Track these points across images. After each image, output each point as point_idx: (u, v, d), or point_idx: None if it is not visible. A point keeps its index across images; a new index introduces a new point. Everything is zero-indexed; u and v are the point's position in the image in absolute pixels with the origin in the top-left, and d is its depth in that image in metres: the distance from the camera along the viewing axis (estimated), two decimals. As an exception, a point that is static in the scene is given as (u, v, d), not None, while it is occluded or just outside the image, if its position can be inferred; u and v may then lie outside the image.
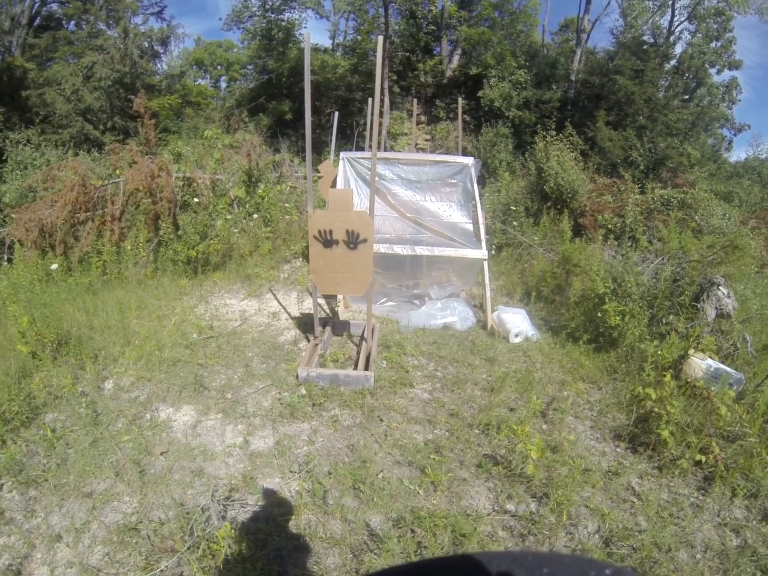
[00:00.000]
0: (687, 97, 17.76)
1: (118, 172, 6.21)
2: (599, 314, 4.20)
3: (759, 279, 5.88)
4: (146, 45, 18.21)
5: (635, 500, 2.57)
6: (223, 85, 26.58)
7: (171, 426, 2.93)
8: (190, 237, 5.67)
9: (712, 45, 17.89)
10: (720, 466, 2.66)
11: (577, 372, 3.87)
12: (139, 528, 2.20)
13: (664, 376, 3.15)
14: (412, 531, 2.25)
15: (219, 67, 27.33)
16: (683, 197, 7.82)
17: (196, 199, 6.33)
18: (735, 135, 20.77)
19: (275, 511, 2.33)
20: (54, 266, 4.94)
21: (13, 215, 5.66)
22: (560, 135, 9.16)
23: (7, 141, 9.84)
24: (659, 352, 3.58)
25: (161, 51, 19.42)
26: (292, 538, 2.19)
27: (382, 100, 8.63)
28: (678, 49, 18.46)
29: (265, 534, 2.19)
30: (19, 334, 3.35)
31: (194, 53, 27.07)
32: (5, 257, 5.53)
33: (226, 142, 8.22)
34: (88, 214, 5.64)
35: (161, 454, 2.69)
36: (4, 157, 8.81)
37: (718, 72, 18.47)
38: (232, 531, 2.05)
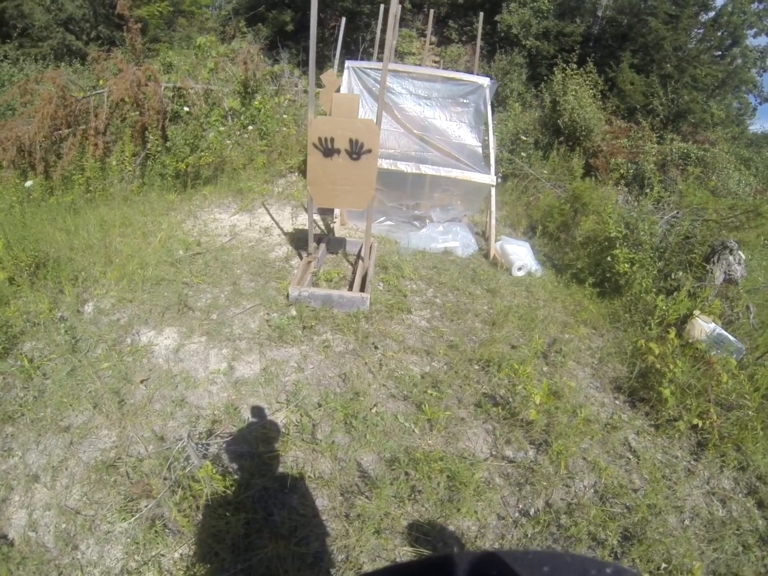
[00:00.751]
0: (719, 54, 16.70)
1: (101, 82, 5.72)
2: (608, 258, 4.07)
3: (767, 252, 5.79)
4: None
5: (631, 457, 2.55)
6: (220, -8, 24.67)
7: (152, 351, 2.77)
8: (180, 149, 5.32)
9: (754, 6, 16.68)
10: (715, 434, 2.64)
11: (579, 315, 3.76)
12: (117, 465, 2.09)
13: (669, 332, 3.08)
14: (407, 474, 2.16)
15: (215, -27, 25.24)
16: (703, 154, 7.50)
17: (186, 109, 5.90)
18: (760, 104, 20.01)
19: (261, 447, 2.21)
20: (29, 183, 4.62)
21: None
22: (581, 70, 8.62)
23: None
24: (666, 307, 3.49)
25: (150, -51, 17.77)
26: (279, 478, 2.09)
27: (385, 11, 7.97)
28: (719, 1, 17.17)
29: (249, 473, 2.09)
30: None
31: (188, -43, 24.90)
32: None
33: (221, 50, 7.61)
34: (69, 129, 5.23)
35: (141, 382, 2.55)
36: None
37: (755, 35, 17.37)
38: (214, 470, 1.92)
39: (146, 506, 1.92)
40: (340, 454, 2.22)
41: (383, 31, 9.22)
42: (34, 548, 1.81)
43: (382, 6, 5.90)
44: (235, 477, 2.05)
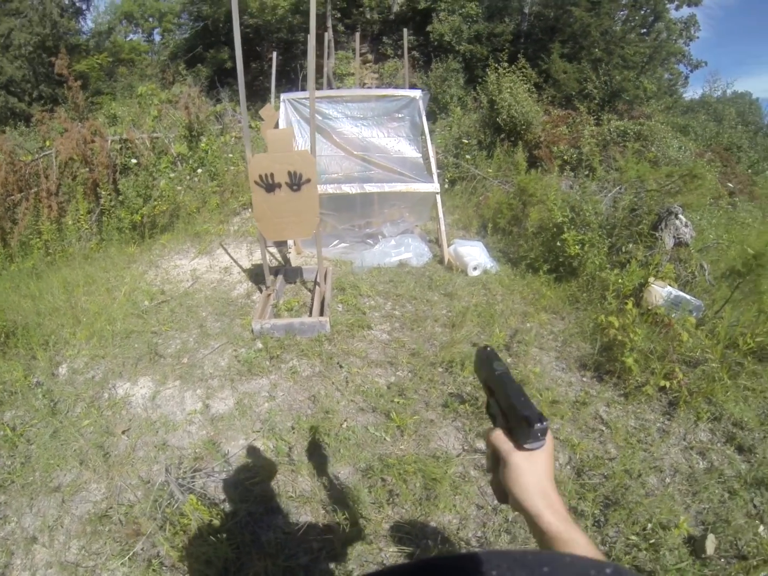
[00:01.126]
0: (644, 31, 17.42)
1: (48, 143, 5.80)
2: (558, 244, 4.19)
3: (714, 210, 5.99)
4: (66, 2, 16.68)
5: (604, 429, 2.61)
6: (158, 38, 24.79)
7: (130, 401, 2.85)
8: (133, 201, 5.38)
9: (671, -19, 17.40)
10: (684, 391, 2.71)
11: (539, 303, 3.87)
12: (110, 514, 2.16)
13: (626, 303, 3.16)
14: (383, 480, 2.25)
15: (151, 19, 25.22)
16: (639, 129, 7.80)
17: (134, 161, 5.97)
18: (692, 71, 20.84)
19: (242, 475, 2.31)
20: None
21: None
22: (513, 67, 8.93)
23: None
24: (620, 280, 3.59)
25: (84, 7, 17.88)
26: (262, 501, 2.18)
27: (320, 36, 8.16)
28: None
29: (234, 501, 2.18)
30: None
31: (122, 6, 24.78)
32: None
33: (163, 97, 7.71)
34: (21, 194, 5.26)
35: (123, 432, 2.62)
36: None
37: (677, 8, 18.08)
38: (199, 503, 2.02)
39: (142, 548, 2.00)
40: (317, 471, 2.32)
41: (319, 56, 9.47)
42: None
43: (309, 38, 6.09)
44: (221, 507, 2.14)
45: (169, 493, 2.15)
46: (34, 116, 7.26)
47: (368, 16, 17.83)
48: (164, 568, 1.94)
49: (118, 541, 2.04)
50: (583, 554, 0.53)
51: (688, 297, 3.50)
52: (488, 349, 0.74)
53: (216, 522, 2.01)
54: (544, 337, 3.47)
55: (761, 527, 2.05)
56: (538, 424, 0.61)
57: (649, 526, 2.03)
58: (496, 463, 0.66)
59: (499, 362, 0.70)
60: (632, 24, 16.50)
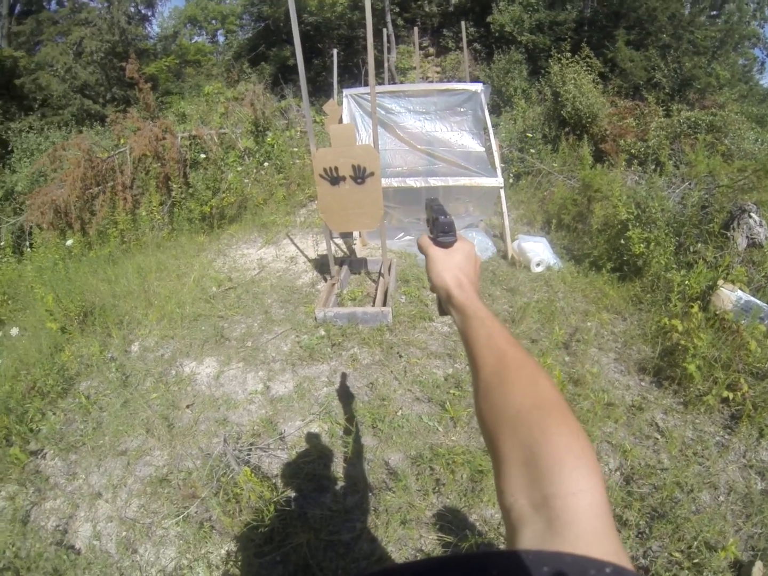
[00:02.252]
0: (714, 13, 16.27)
1: (122, 141, 6.18)
2: (623, 242, 4.04)
3: None
4: (132, 10, 17.78)
5: (659, 437, 2.50)
6: (221, 39, 25.79)
7: (195, 379, 3.02)
8: (203, 193, 5.68)
9: (743, -41, 16.14)
10: (748, 405, 2.53)
11: (600, 302, 3.75)
12: (169, 479, 2.33)
13: (692, 307, 3.01)
14: (431, 468, 2.28)
15: (214, 22, 26.34)
16: (712, 119, 7.26)
17: (203, 156, 6.28)
18: (767, 56, 19.27)
19: (295, 453, 2.41)
20: (69, 242, 5.02)
21: (27, 202, 5.74)
22: (576, 57, 8.61)
23: (9, 132, 9.89)
24: (686, 282, 3.41)
25: (149, 14, 18.96)
26: (312, 479, 2.26)
27: (380, 32, 8.20)
28: None
29: (285, 476, 2.28)
30: (46, 313, 3.49)
31: (186, 11, 26.05)
32: (27, 243, 5.65)
33: (229, 95, 8.05)
34: (99, 187, 5.66)
35: (187, 407, 2.80)
36: (9, 148, 8.90)
37: None
38: (252, 475, 2.12)
39: (195, 511, 2.14)
40: (368, 455, 2.38)
41: (380, 51, 9.52)
42: (98, 555, 2.06)
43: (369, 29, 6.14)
44: (272, 481, 2.25)
45: (225, 464, 2.28)
46: (109, 117, 7.76)
47: (427, 9, 17.68)
48: (214, 531, 2.07)
49: (174, 503, 2.20)
50: (484, 321, 0.62)
51: (760, 303, 3.24)
52: (432, 197, 0.92)
53: (266, 494, 2.11)
54: (604, 338, 3.36)
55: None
56: (442, 218, 0.76)
57: (695, 544, 1.92)
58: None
59: (435, 200, 0.89)
60: (701, 6, 15.42)
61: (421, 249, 0.79)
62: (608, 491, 2.10)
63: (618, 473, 2.28)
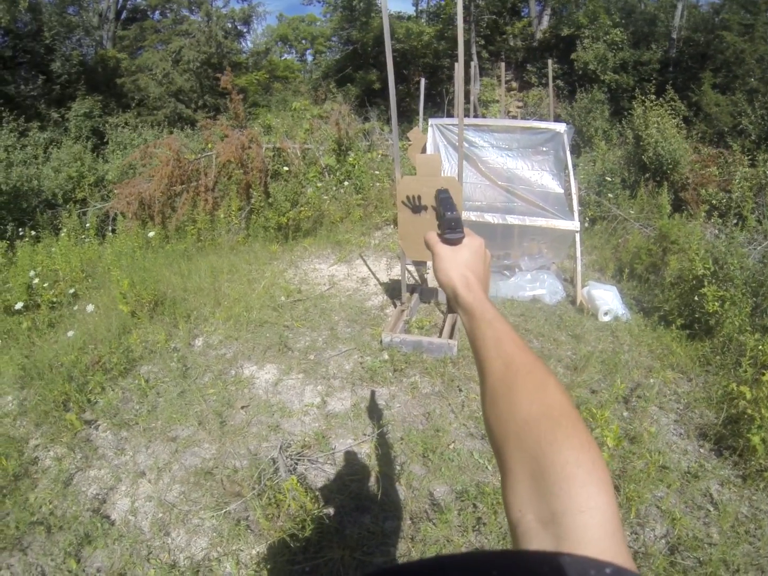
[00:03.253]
0: (806, 56, 15.37)
1: (209, 145, 6.56)
2: (696, 298, 3.85)
3: None
4: (229, 26, 19.05)
5: (711, 509, 2.36)
6: (309, 58, 26.99)
7: (253, 383, 3.14)
8: (281, 204, 5.88)
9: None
10: None
11: (666, 359, 3.60)
12: (214, 473, 2.42)
13: (764, 374, 2.83)
14: (474, 506, 2.25)
15: (303, 41, 27.65)
16: None
17: (286, 168, 6.55)
18: None
19: (343, 470, 2.45)
20: (151, 234, 5.37)
21: (115, 191, 6.22)
22: (660, 99, 8.37)
23: (106, 125, 10.84)
24: (760, 346, 3.21)
25: (245, 30, 20.26)
26: (355, 498, 2.29)
27: (468, 64, 8.32)
28: None
29: (329, 491, 2.32)
30: (120, 295, 3.75)
31: (278, 30, 27.46)
32: (110, 228, 6.11)
33: (315, 112, 8.39)
34: (183, 186, 6.04)
35: (242, 407, 2.91)
36: (105, 140, 9.74)
37: None
38: (298, 484, 2.17)
39: (234, 508, 2.21)
40: (414, 483, 2.38)
41: (465, 83, 9.65)
42: (131, 529, 2.16)
43: (455, 65, 6.27)
44: (316, 494, 2.29)
45: (274, 469, 2.35)
46: (199, 122, 8.29)
47: (512, 44, 17.82)
48: (250, 531, 2.13)
49: (215, 497, 2.28)
50: (492, 324, 0.60)
51: None
52: (442, 188, 0.88)
53: (309, 505, 2.15)
54: (666, 396, 3.22)
55: None
56: (449, 213, 0.73)
57: None
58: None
59: (444, 191, 0.85)
60: (792, 49, 14.59)
61: (427, 246, 0.77)
62: (650, 558, 2.04)
63: (663, 541, 2.17)
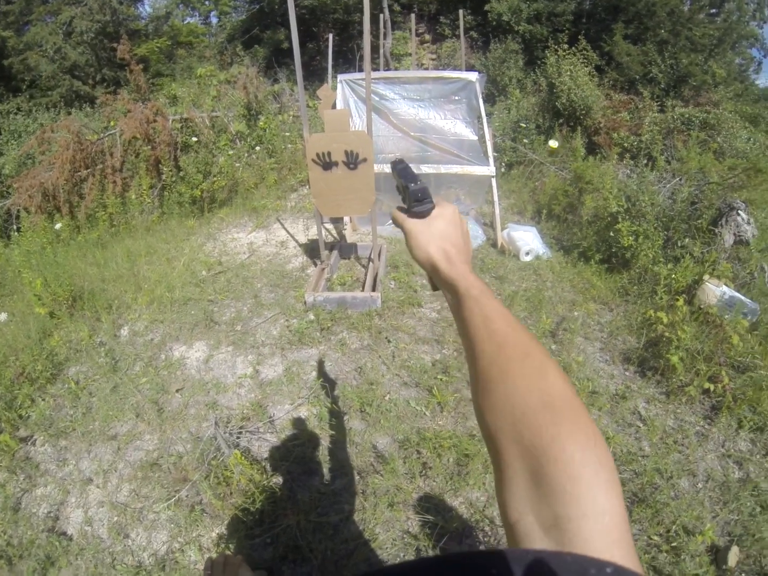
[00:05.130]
0: (714, 11, 16.24)
1: (112, 123, 6.13)
2: (612, 234, 4.09)
3: None
4: None
5: (641, 425, 2.56)
6: (214, 20, 25.30)
7: (185, 363, 3.04)
8: (193, 177, 5.66)
9: (745, -44, 16.08)
10: (728, 396, 2.61)
11: (588, 292, 3.81)
12: (160, 463, 2.35)
13: (677, 300, 3.08)
14: (418, 452, 2.32)
15: (207, 2, 25.74)
16: (705, 117, 7.32)
17: (195, 139, 6.23)
18: (765, 56, 19.26)
19: (285, 436, 2.44)
20: (58, 225, 4.99)
21: (14, 185, 5.65)
22: (573, 49, 8.60)
23: None
24: (673, 275, 3.48)
25: (142, -7, 18.52)
26: (301, 462, 2.30)
27: (376, 17, 8.13)
28: None
29: (275, 459, 2.31)
30: (35, 297, 3.47)
31: (178, -9, 25.59)
32: (14, 227, 5.56)
33: (222, 78, 7.97)
34: (88, 170, 5.60)
35: (177, 391, 2.81)
36: None
37: None
38: (242, 458, 2.15)
39: (186, 495, 2.16)
40: (356, 438, 2.41)
41: (375, 37, 9.42)
42: (90, 540, 2.07)
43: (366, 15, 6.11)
44: (262, 464, 2.28)
45: (216, 447, 2.30)
46: (99, 98, 7.66)
47: (425, -5, 17.46)
48: (205, 514, 2.10)
49: (165, 487, 2.22)
50: (479, 300, 0.55)
51: (743, 299, 3.32)
52: (397, 158, 0.79)
53: (256, 477, 2.14)
54: (591, 327, 3.41)
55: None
56: (412, 185, 0.67)
57: (674, 528, 1.99)
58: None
59: (400, 162, 0.77)
60: (701, 3, 15.39)
61: (396, 223, 0.70)
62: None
63: (600, 459, 2.33)
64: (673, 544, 1.93)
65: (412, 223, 0.67)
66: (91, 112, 9.61)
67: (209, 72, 8.24)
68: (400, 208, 0.70)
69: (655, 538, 1.96)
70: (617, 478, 0.39)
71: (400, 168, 0.74)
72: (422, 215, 0.67)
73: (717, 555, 1.94)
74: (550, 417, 0.41)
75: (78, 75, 15.16)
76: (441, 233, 0.64)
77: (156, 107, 6.03)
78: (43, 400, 2.82)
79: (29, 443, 2.58)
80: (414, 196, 0.67)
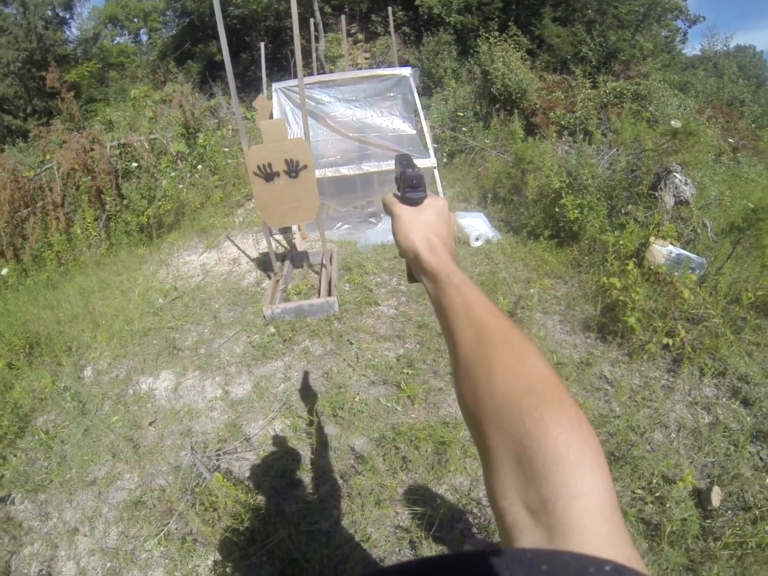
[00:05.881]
0: (638, -14, 16.95)
1: (48, 156, 5.90)
2: (558, 209, 4.21)
3: (716, 167, 5.91)
4: (49, 13, 16.67)
5: (608, 388, 2.67)
6: (144, 38, 24.72)
7: (154, 395, 3.00)
8: (138, 204, 5.51)
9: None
10: (687, 348, 2.74)
11: (541, 269, 3.92)
12: (144, 500, 2.31)
13: (627, 264, 3.20)
14: (396, 447, 2.37)
15: (136, 20, 25.15)
16: (636, 89, 7.65)
17: (135, 164, 6.08)
18: (690, 27, 20.25)
19: (263, 453, 2.45)
20: (5, 271, 4.77)
21: None
22: (504, 35, 8.82)
23: None
24: (620, 241, 3.62)
25: (68, 16, 17.87)
26: (283, 476, 2.31)
27: (307, 21, 8.11)
28: None
29: (257, 476, 2.31)
30: None
31: (106, 10, 24.73)
32: None
33: (156, 98, 7.80)
34: (28, 209, 5.38)
35: (150, 424, 2.77)
36: None
37: None
38: (225, 480, 2.15)
39: (175, 528, 2.14)
40: (333, 443, 2.44)
41: (308, 41, 9.39)
42: None
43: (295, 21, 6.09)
44: (245, 483, 2.28)
45: (196, 474, 2.29)
46: (32, 131, 7.37)
47: (354, -5, 17.51)
48: (197, 543, 2.08)
49: (152, 523, 2.19)
50: (460, 289, 0.55)
51: (690, 255, 3.51)
52: (403, 154, 0.80)
53: (242, 497, 2.14)
54: (548, 302, 3.52)
55: (768, 479, 2.08)
56: (409, 170, 0.67)
57: (654, 480, 2.09)
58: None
59: (405, 155, 0.76)
60: (625, -19, 16.06)
61: (385, 208, 0.70)
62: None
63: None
64: (657, 494, 2.03)
65: (402, 209, 0.67)
66: (24, 147, 9.26)
67: (143, 93, 8.04)
68: (394, 195, 0.71)
69: (639, 491, 2.06)
70: (603, 456, 0.39)
71: (404, 159, 0.74)
72: (414, 203, 0.67)
73: (700, 497, 2.04)
74: (533, 400, 0.41)
75: (7, 108, 14.52)
76: (428, 223, 0.65)
77: (92, 135, 5.86)
78: (15, 456, 2.72)
79: (8, 503, 2.49)
80: (409, 181, 0.67)
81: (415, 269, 0.65)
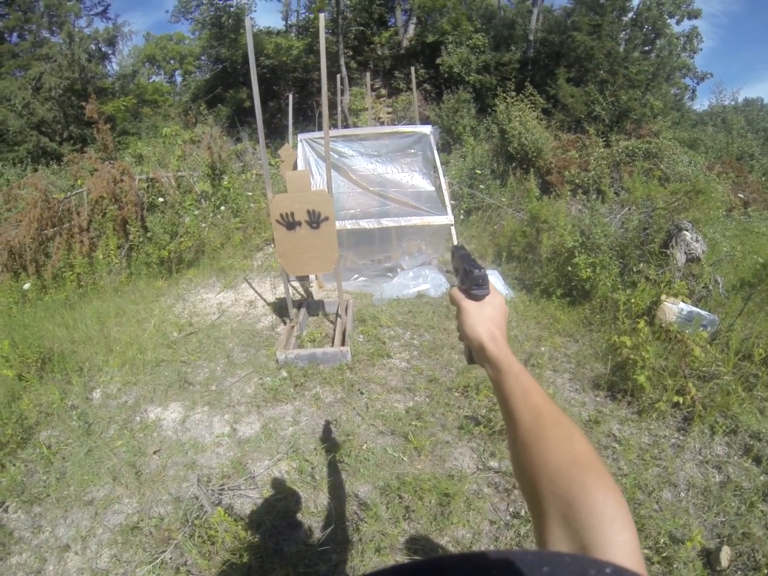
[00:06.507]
0: (647, 48, 17.71)
1: (79, 182, 6.14)
2: (570, 268, 4.27)
3: (727, 222, 5.97)
4: (93, 48, 17.65)
5: (617, 446, 2.64)
6: (179, 79, 26.00)
7: (161, 425, 3.01)
8: (160, 237, 5.65)
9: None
10: (698, 406, 2.72)
11: (553, 327, 3.94)
12: (140, 526, 2.29)
13: (638, 323, 3.21)
14: (399, 497, 2.34)
15: (172, 62, 26.62)
16: (647, 147, 7.85)
17: (161, 199, 6.29)
18: (698, 83, 20.75)
19: (267, 492, 2.43)
20: (27, 285, 4.89)
21: None
22: (521, 95, 9.16)
23: None
24: (632, 300, 3.65)
25: (110, 52, 18.89)
26: (285, 516, 2.29)
27: (334, 75, 8.53)
28: (635, 1, 18.28)
29: (258, 515, 2.29)
30: (2, 359, 3.39)
31: (145, 50, 26.21)
32: None
33: (186, 137, 8.14)
34: (55, 229, 5.56)
35: (154, 453, 2.77)
36: None
37: (678, 22, 18.19)
38: (226, 515, 2.13)
39: (170, 557, 2.11)
40: (337, 489, 2.43)
41: (333, 94, 9.83)
42: None
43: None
44: (246, 520, 2.27)
45: (198, 506, 2.28)
46: (66, 156, 7.68)
47: (379, 53, 18.50)
48: (191, 574, 2.05)
49: (147, 551, 2.16)
50: (519, 377, 0.66)
51: (701, 312, 3.51)
52: (458, 244, 0.92)
53: (241, 533, 2.12)
54: (558, 360, 3.53)
55: (781, 538, 2.02)
56: (477, 271, 0.77)
57: (662, 540, 2.05)
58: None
59: (461, 247, 0.89)
60: (635, 43, 16.79)
61: (452, 301, 0.81)
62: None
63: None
64: (664, 554, 1.98)
65: (468, 304, 0.77)
66: (57, 169, 9.53)
67: (174, 131, 8.40)
68: (459, 288, 0.81)
69: (645, 551, 2.01)
70: (632, 518, 0.47)
71: (462, 254, 0.85)
72: (478, 298, 0.77)
73: (709, 557, 1.99)
74: (579, 471, 0.51)
75: (45, 131, 15.13)
76: (490, 317, 0.75)
77: (123, 167, 6.09)
78: (14, 465, 2.73)
79: (1, 510, 2.48)
80: (476, 281, 0.77)
81: (478, 356, 0.75)
